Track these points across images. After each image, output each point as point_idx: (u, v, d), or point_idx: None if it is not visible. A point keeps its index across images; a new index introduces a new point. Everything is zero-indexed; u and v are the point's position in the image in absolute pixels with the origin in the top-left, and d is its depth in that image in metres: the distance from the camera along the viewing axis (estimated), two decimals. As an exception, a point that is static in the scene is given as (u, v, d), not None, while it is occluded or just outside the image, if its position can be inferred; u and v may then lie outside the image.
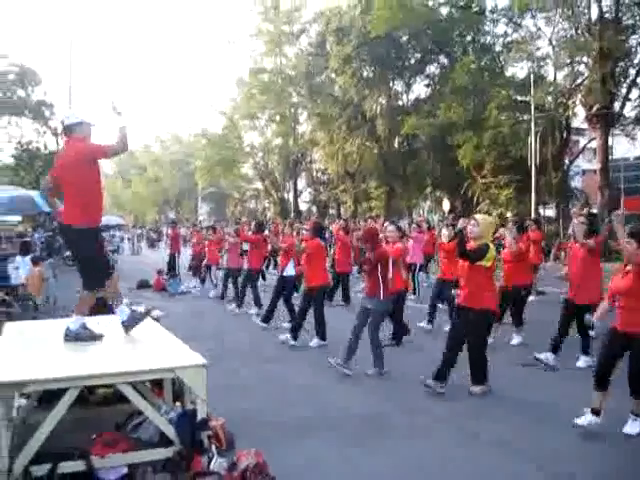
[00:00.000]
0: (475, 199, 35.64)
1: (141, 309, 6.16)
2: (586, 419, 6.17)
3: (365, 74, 43.23)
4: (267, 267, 21.88)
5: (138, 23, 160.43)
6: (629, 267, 6.09)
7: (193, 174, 62.90)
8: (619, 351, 6.12)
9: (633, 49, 32.48)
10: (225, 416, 5.31)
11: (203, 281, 19.04)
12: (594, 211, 12.95)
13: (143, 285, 19.73)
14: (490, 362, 7.74)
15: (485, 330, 7.78)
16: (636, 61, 32.19)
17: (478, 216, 7.99)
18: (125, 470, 4.68)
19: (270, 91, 49.72)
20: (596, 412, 6.15)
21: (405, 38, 40.84)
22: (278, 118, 52.42)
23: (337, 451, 5.78)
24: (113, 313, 6.57)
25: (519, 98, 35.33)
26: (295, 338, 10.52)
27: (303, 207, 57.01)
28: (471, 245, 7.60)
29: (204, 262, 19.05)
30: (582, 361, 8.82)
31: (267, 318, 12.19)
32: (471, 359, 7.61)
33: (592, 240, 8.78)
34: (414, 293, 15.73)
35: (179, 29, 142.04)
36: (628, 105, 32.94)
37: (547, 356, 8.82)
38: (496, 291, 7.87)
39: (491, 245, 7.57)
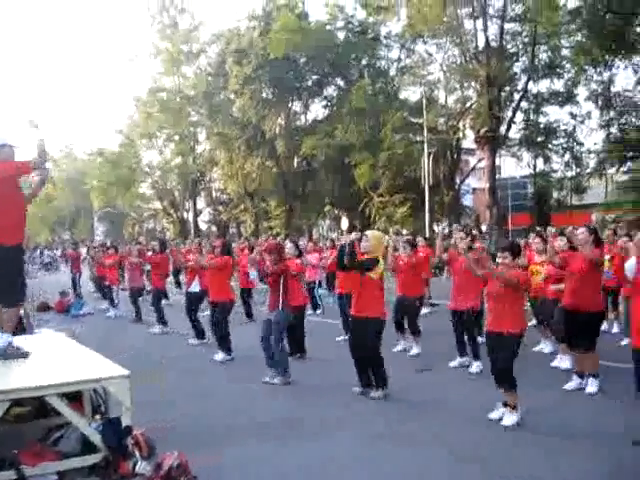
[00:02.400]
0: (372, 217, 36.71)
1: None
2: (499, 413, 6.81)
3: (264, 95, 43.81)
4: (177, 283, 21.98)
5: (32, 36, 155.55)
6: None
7: (88, 193, 61.44)
8: (496, 350, 6.77)
9: (517, 75, 34.55)
10: (147, 427, 5.52)
11: (112, 301, 18.92)
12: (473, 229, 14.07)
13: (44, 307, 19.31)
14: (393, 368, 8.30)
15: (378, 337, 8.19)
16: (520, 87, 34.24)
17: (368, 232, 8.51)
18: (55, 478, 4.97)
19: (169, 110, 49.46)
20: (507, 404, 6.78)
21: (303, 60, 41.76)
22: (177, 137, 52.08)
23: (256, 453, 6.15)
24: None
25: (413, 120, 36.74)
26: (229, 352, 10.76)
27: (203, 227, 56.79)
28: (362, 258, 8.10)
29: (105, 282, 18.91)
30: (474, 366, 9.33)
31: (200, 334, 12.44)
32: (371, 366, 8.11)
33: (471, 254, 9.26)
34: (314, 308, 16.17)
35: (75, 45, 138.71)
36: (513, 128, 35.00)
37: (474, 365, 9.36)
38: (383, 301, 8.24)
39: (381, 259, 8.09)
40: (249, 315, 15.66)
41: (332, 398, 8.00)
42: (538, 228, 15.71)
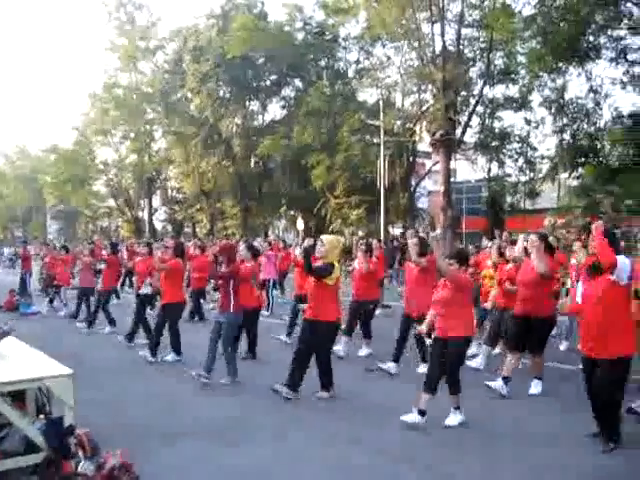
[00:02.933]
0: (328, 218, 36.76)
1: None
2: (412, 417, 6.77)
3: (221, 94, 43.63)
4: (122, 285, 21.65)
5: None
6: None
7: (41, 190, 60.48)
8: (442, 356, 6.77)
9: (473, 80, 34.92)
10: (91, 426, 5.42)
11: (51, 301, 18.59)
12: (422, 234, 14.07)
13: (-7, 306, 18.81)
14: (341, 370, 8.30)
15: (331, 341, 8.23)
16: (476, 91, 34.59)
17: (324, 236, 8.46)
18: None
19: (125, 107, 48.97)
20: (422, 412, 6.74)
21: (261, 60, 41.72)
22: (133, 135, 51.61)
23: (200, 453, 6.08)
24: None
25: (370, 122, 36.87)
26: (154, 354, 10.63)
27: (158, 226, 56.29)
28: (317, 263, 8.09)
29: (55, 282, 18.59)
30: (421, 367, 9.33)
31: (130, 336, 12.24)
32: (320, 367, 8.12)
33: (424, 259, 9.26)
34: (267, 309, 16.16)
35: (27, 39, 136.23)
36: (469, 132, 35.35)
37: (389, 366, 9.46)
38: (339, 305, 8.25)
39: (336, 264, 8.06)
40: (200, 316, 15.56)
41: (280, 399, 7.93)
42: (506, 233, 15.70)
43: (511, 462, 5.82)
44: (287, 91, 44.37)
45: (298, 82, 42.92)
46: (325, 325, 7.90)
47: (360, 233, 33.21)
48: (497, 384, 8.00)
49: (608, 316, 5.84)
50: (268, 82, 43.57)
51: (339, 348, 10.38)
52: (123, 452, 5.19)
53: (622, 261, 5.86)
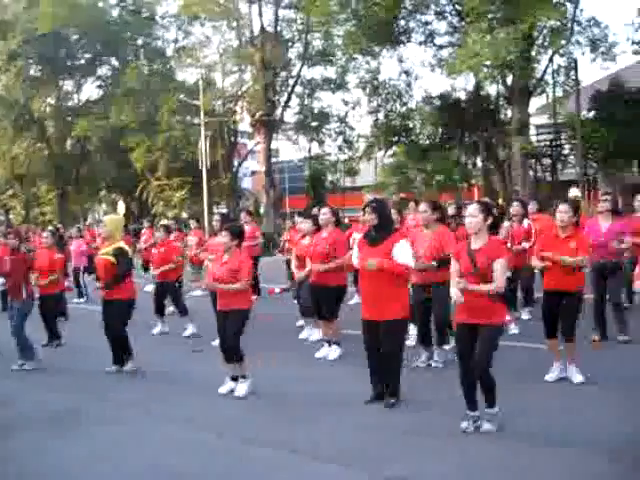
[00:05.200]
0: (150, 201, 35.94)
1: None
2: (227, 386, 6.92)
3: (32, 72, 41.15)
4: None
5: None
6: None
7: None
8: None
9: (292, 61, 35.39)
10: None
11: None
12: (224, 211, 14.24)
13: None
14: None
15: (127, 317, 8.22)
16: (295, 72, 35.11)
17: (106, 217, 8.48)
18: None
19: None
20: (234, 378, 6.90)
21: (75, 37, 39.77)
22: None
23: (37, 445, 5.81)
24: None
25: (190, 102, 36.26)
26: None
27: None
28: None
29: None
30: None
31: None
32: (112, 343, 8.12)
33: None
34: (80, 296, 15.54)
35: None
36: (289, 112, 35.86)
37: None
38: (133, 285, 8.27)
39: (123, 246, 8.04)
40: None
41: (110, 383, 7.75)
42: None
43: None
44: (103, 70, 42.65)
45: (114, 61, 41.33)
46: (115, 302, 7.99)
47: (184, 215, 32.79)
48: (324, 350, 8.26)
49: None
50: (82, 60, 41.60)
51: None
52: None
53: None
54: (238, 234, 7.00)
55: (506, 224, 9.11)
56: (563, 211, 6.76)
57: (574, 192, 9.85)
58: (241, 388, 6.81)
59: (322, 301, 8.26)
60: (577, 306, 6.83)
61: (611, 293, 8.36)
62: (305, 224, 9.00)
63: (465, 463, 4.87)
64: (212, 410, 6.59)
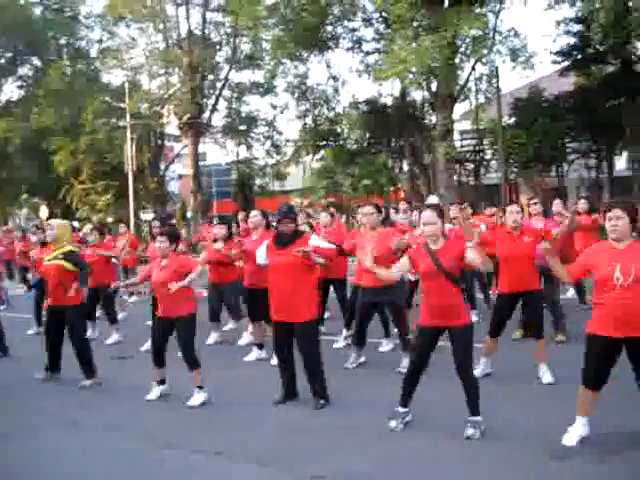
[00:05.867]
0: (74, 205, 35.13)
1: None
2: (155, 393, 6.97)
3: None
4: None
5: None
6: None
7: None
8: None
9: (220, 65, 35.23)
10: None
11: None
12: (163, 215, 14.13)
13: None
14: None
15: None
16: (222, 76, 34.98)
17: (52, 220, 8.31)
18: None
19: None
20: (161, 382, 6.99)
21: (-6, 35, 38.54)
22: None
23: None
24: None
25: (116, 104, 35.64)
26: None
27: None
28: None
29: None
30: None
31: None
32: (78, 356, 7.88)
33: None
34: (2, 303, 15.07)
35: None
36: (217, 116, 35.69)
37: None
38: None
39: (74, 248, 7.98)
40: None
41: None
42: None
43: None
44: (24, 70, 41.44)
45: (36, 60, 40.27)
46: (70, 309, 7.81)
47: (109, 220, 32.20)
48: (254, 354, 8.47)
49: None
50: (2, 60, 40.35)
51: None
52: None
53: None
54: (175, 238, 7.03)
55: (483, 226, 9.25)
56: (514, 211, 7.03)
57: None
58: (197, 399, 6.74)
59: (257, 303, 8.30)
60: (540, 303, 7.13)
61: (547, 292, 8.64)
62: (220, 229, 9.05)
63: (387, 461, 5.01)
64: (137, 416, 6.57)
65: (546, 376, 6.82)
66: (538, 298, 7.08)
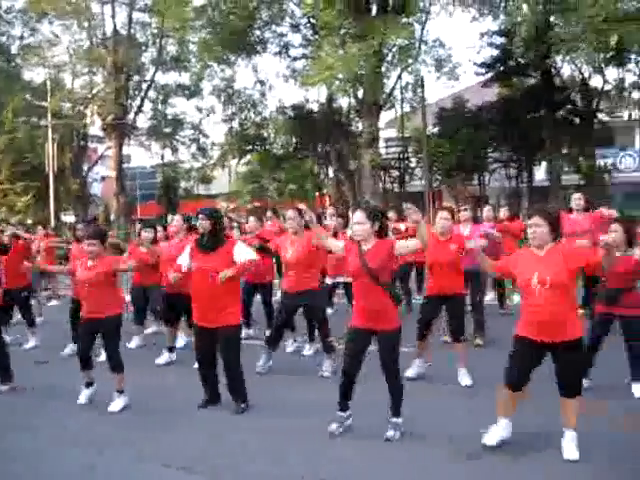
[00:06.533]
0: (-8, 206, 34.01)
1: None
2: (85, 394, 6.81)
3: None
4: None
5: None
6: None
7: None
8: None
9: (145, 66, 34.76)
10: None
11: None
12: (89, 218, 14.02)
13: None
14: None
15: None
16: (148, 77, 34.52)
17: None
18: None
19: None
20: (89, 384, 6.82)
21: None
22: None
23: None
24: None
25: (37, 103, 34.71)
26: None
27: None
28: None
29: None
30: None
31: None
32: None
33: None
34: None
35: None
36: (142, 117, 35.19)
37: None
38: None
39: None
40: None
41: None
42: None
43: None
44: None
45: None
46: None
47: (29, 221, 31.28)
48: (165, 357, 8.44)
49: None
50: None
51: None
52: None
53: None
54: (103, 237, 6.87)
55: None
56: (444, 217, 7.11)
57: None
58: (117, 404, 6.58)
59: (174, 308, 8.24)
60: (462, 307, 7.21)
61: (471, 296, 8.75)
62: (147, 233, 8.95)
63: (311, 462, 5.02)
64: (63, 421, 6.38)
65: (465, 379, 6.94)
66: (461, 302, 7.22)
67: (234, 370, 6.33)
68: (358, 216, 5.45)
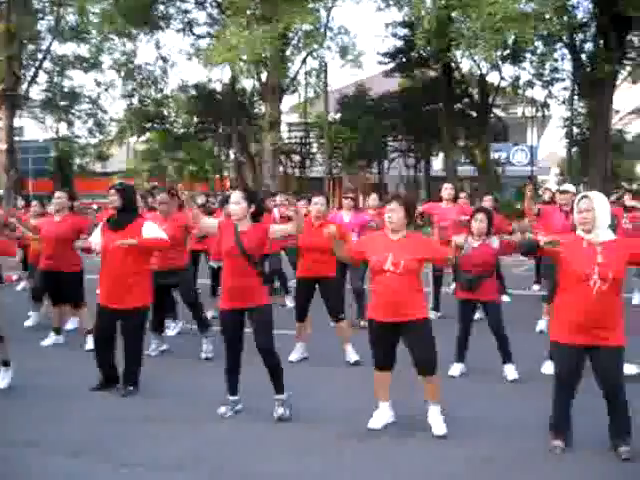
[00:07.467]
0: None
1: None
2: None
3: None
4: None
5: None
6: None
7: None
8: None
9: (42, 34, 33.25)
10: None
11: None
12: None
13: None
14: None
15: None
16: (44, 46, 33.05)
17: None
18: None
19: None
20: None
21: None
22: None
23: None
24: None
25: None
26: None
27: None
28: None
29: None
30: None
31: None
32: None
33: None
34: None
35: None
36: (36, 89, 33.66)
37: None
38: None
39: None
40: None
41: None
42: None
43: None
44: None
45: None
46: None
47: None
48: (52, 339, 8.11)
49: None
50: None
51: None
52: None
53: None
54: None
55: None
56: (319, 203, 7.22)
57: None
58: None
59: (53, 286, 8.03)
60: (336, 289, 7.38)
61: (352, 280, 8.99)
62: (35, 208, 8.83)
63: (198, 448, 4.99)
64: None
65: (352, 356, 7.12)
66: (332, 284, 7.32)
67: (135, 352, 6.25)
68: (235, 196, 5.54)
